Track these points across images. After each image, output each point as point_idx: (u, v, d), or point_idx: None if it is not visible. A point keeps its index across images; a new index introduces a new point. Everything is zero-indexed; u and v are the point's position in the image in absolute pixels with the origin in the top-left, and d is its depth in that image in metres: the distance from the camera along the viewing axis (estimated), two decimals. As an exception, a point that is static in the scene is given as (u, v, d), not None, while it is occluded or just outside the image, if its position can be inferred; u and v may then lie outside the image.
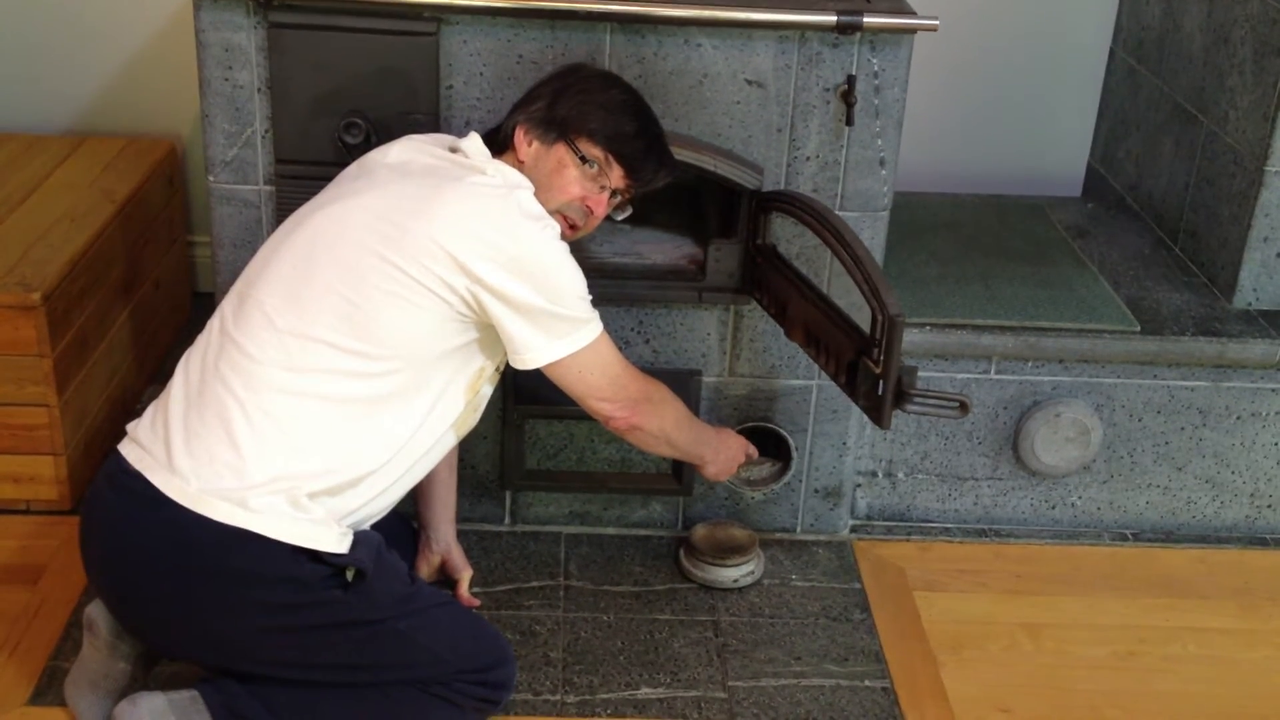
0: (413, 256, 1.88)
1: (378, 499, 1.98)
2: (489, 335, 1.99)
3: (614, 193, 2.07)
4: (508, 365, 2.03)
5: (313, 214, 1.98)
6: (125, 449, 1.94)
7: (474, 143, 2.04)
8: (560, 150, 2.02)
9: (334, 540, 1.90)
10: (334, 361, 1.89)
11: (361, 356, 1.90)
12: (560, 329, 1.96)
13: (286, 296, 1.91)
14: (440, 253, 1.88)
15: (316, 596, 1.91)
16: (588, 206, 2.05)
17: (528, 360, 1.97)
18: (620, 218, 2.17)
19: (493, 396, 2.47)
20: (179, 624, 1.93)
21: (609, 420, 2.08)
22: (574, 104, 2.03)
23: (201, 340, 1.98)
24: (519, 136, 2.04)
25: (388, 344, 1.90)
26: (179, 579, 1.88)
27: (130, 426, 1.97)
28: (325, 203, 1.99)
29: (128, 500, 1.89)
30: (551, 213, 2.00)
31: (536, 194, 2.00)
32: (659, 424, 2.13)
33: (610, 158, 2.03)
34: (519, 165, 2.03)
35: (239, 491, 1.85)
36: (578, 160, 2.02)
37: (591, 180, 2.04)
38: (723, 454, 2.30)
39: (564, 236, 2.01)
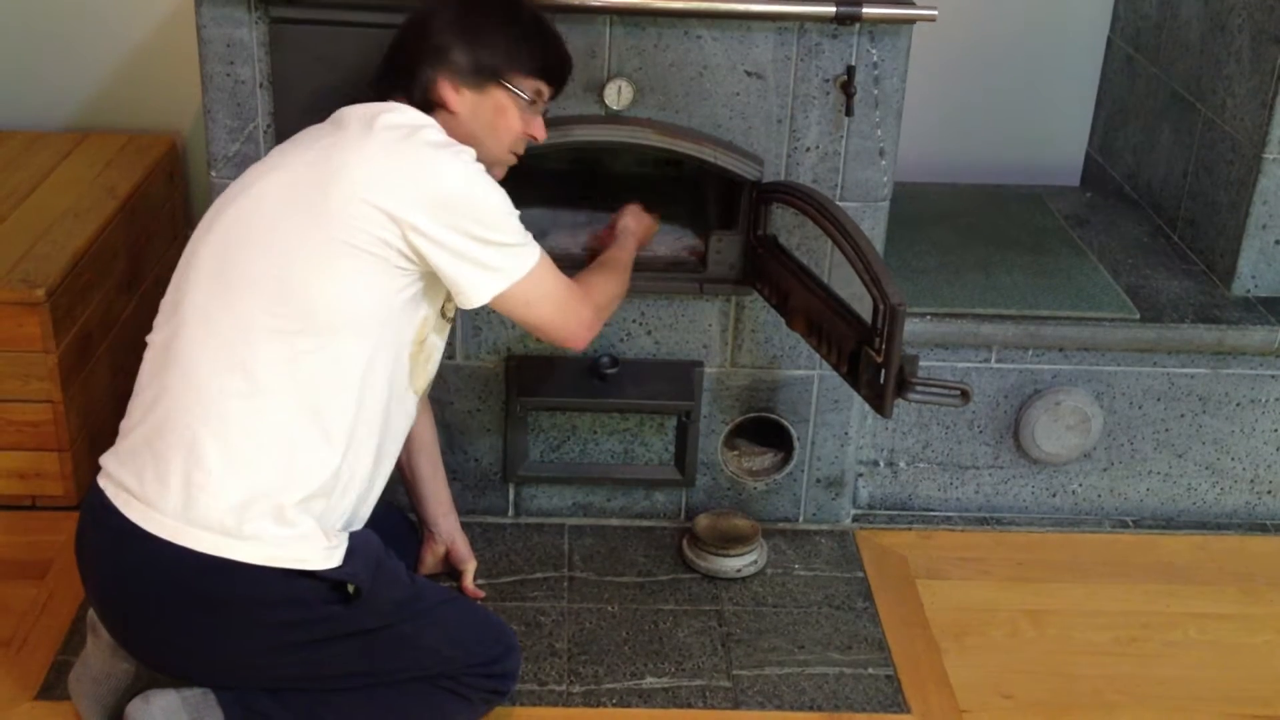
0: (339, 220, 1.83)
1: (363, 482, 1.94)
2: (430, 281, 1.94)
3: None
4: (459, 313, 1.99)
5: (225, 208, 1.93)
6: (102, 482, 1.90)
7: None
8: (497, 94, 1.99)
9: (322, 556, 1.87)
10: (280, 348, 1.84)
11: (306, 335, 1.84)
12: (497, 259, 1.91)
13: (218, 295, 1.86)
14: (365, 208, 1.83)
15: (317, 613, 1.89)
16: (531, 135, 2.05)
17: (472, 298, 1.92)
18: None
19: (495, 389, 2.49)
20: (182, 652, 1.91)
21: (568, 345, 2.07)
22: (497, 46, 1.98)
23: (147, 361, 1.93)
24: (445, 90, 1.97)
25: (329, 314, 1.85)
26: (174, 611, 1.86)
27: (103, 459, 1.93)
28: (235, 194, 1.94)
29: (111, 537, 1.87)
30: (502, 156, 2.03)
31: (485, 143, 1.99)
32: (606, 317, 2.16)
33: (542, 85, 2.04)
34: (452, 118, 1.98)
35: (219, 516, 1.81)
36: (516, 99, 2.00)
37: (529, 109, 2.03)
38: (642, 232, 2.38)
39: (510, 165, 2.04)
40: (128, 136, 3.11)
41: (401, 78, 1.99)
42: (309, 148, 1.93)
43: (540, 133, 2.07)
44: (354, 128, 1.92)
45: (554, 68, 2.06)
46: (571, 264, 2.38)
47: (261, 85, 2.26)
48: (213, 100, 2.27)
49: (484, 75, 1.98)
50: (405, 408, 2.03)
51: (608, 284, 2.17)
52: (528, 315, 2.00)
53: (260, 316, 1.84)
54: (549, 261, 2.00)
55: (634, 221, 2.37)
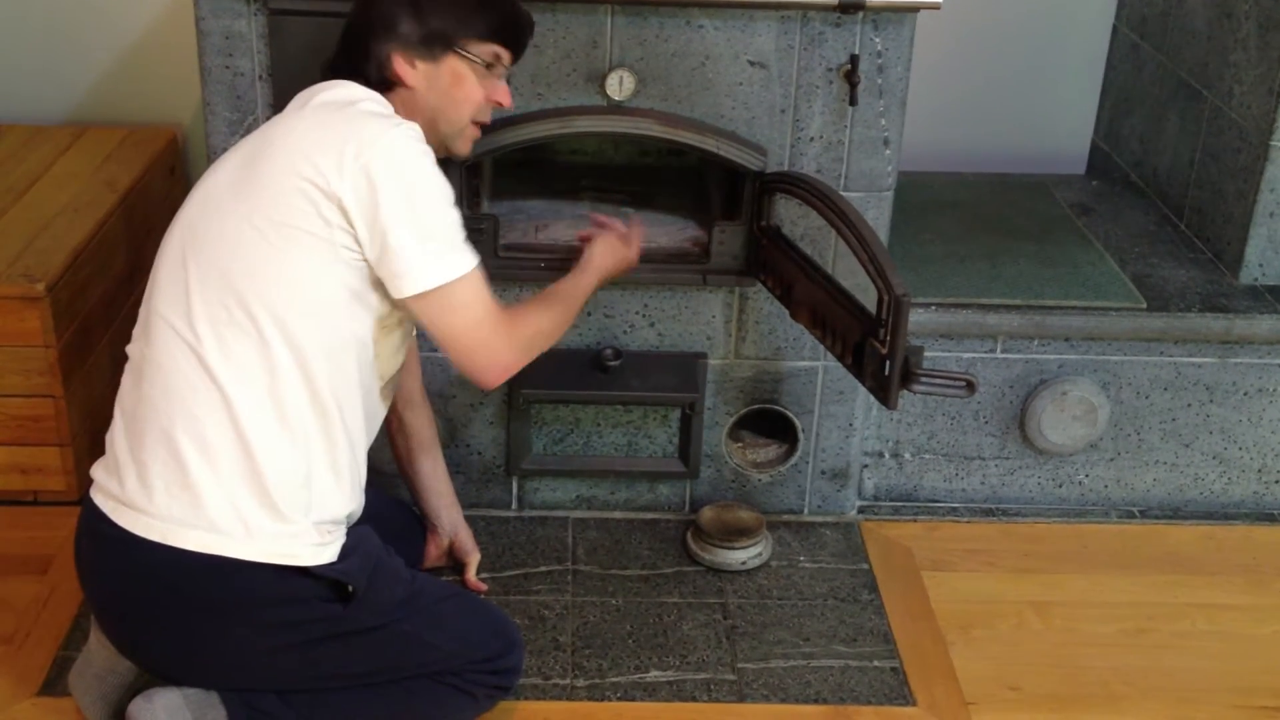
0: (276, 202, 1.80)
1: (345, 468, 1.91)
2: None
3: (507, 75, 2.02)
4: None
5: (181, 213, 1.93)
6: (93, 493, 1.90)
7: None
8: (452, 62, 1.93)
9: (313, 552, 1.85)
10: (236, 344, 1.81)
11: (257, 327, 1.80)
12: (422, 255, 1.81)
13: (178, 301, 1.84)
14: (299, 183, 1.79)
15: (314, 612, 1.88)
16: (496, 101, 2.00)
17: (404, 285, 1.83)
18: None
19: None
20: (183, 658, 1.90)
21: (475, 378, 1.94)
22: (446, 13, 1.92)
23: (126, 375, 1.92)
24: (399, 65, 1.93)
25: (277, 304, 1.80)
26: (172, 615, 1.86)
27: (93, 470, 1.92)
28: (190, 197, 1.94)
29: (104, 547, 1.86)
30: (466, 127, 1.96)
31: (446, 113, 1.94)
32: (532, 356, 2.00)
33: (499, 49, 1.97)
34: (410, 93, 1.94)
35: (205, 514, 1.80)
36: (474, 65, 1.94)
37: (488, 76, 1.97)
38: (609, 267, 2.20)
39: (475, 136, 1.99)
40: (127, 130, 3.10)
41: (356, 59, 1.95)
42: (256, 135, 1.92)
43: (506, 99, 2.01)
44: (291, 108, 1.92)
45: (509, 29, 1.98)
46: (572, 258, 2.37)
47: (261, 77, 2.25)
48: (212, 93, 2.26)
49: (435, 44, 1.93)
50: (373, 394, 1.97)
51: (541, 319, 2.02)
52: (440, 325, 1.87)
53: (216, 312, 1.82)
54: (481, 277, 1.89)
55: (603, 256, 2.21)
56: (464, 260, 1.87)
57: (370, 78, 1.94)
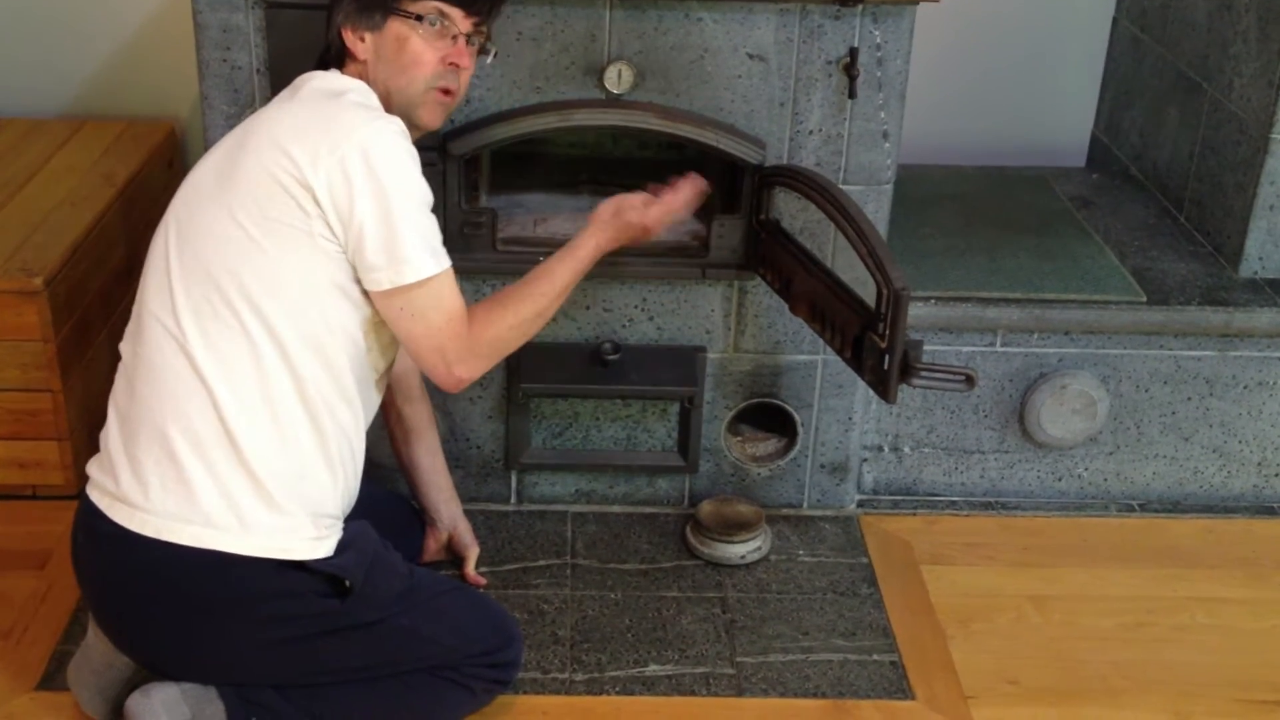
0: (255, 192, 1.79)
1: (339, 462, 1.90)
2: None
3: (468, 38, 1.94)
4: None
5: (171, 206, 1.92)
6: (88, 489, 1.89)
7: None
8: (393, 25, 1.89)
9: (309, 546, 1.85)
10: (223, 340, 1.81)
11: (242, 321, 1.80)
12: (397, 250, 1.79)
13: (167, 294, 1.83)
14: (276, 172, 1.78)
15: (310, 607, 1.88)
16: (451, 64, 1.92)
17: (367, 281, 1.82)
18: (489, 60, 2.04)
19: (497, 376, 2.48)
20: (180, 654, 1.90)
21: (432, 379, 1.93)
22: None
23: (119, 374, 1.92)
24: (349, 39, 1.90)
25: (269, 300, 1.80)
26: (168, 612, 1.86)
27: (88, 467, 1.92)
28: (179, 191, 1.93)
29: (100, 543, 1.86)
30: (423, 93, 1.91)
31: (397, 82, 1.90)
32: (498, 358, 1.97)
33: (442, 5, 1.90)
34: (364, 67, 1.91)
35: (200, 509, 1.80)
36: (414, 24, 1.89)
37: (439, 37, 1.90)
38: (612, 238, 2.06)
39: (442, 103, 1.94)
40: (125, 123, 3.10)
41: (329, 44, 1.95)
42: (237, 131, 1.91)
43: (464, 59, 1.93)
44: (282, 97, 1.91)
45: None
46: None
47: (258, 70, 2.24)
48: (210, 86, 2.26)
49: (375, 10, 1.90)
50: (368, 385, 1.96)
51: (510, 316, 1.95)
52: (398, 326, 1.87)
53: (201, 307, 1.82)
54: (448, 282, 1.86)
55: (601, 231, 2.05)
56: (428, 264, 1.83)
57: (334, 59, 1.94)
